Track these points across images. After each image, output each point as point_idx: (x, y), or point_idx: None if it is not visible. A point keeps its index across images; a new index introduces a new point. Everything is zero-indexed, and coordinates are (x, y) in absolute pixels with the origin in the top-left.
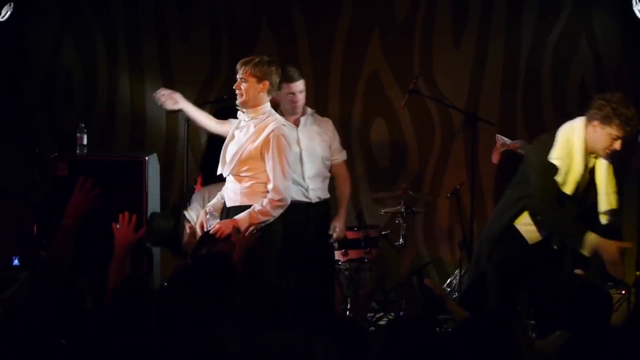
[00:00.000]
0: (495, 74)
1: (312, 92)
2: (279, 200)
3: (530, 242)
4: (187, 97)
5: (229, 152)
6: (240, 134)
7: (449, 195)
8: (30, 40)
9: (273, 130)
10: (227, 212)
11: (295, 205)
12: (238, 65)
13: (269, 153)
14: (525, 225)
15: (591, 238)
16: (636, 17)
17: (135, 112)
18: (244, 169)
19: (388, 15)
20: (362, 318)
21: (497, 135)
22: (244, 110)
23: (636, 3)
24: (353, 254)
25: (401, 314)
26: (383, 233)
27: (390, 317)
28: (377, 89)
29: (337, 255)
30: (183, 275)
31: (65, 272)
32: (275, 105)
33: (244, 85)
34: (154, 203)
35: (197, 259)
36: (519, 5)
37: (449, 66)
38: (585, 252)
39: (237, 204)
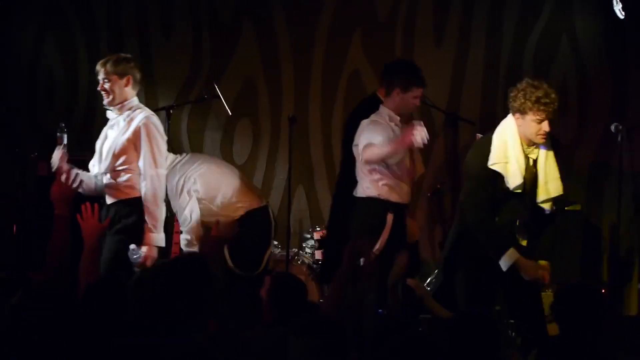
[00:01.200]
0: (477, 73)
1: (293, 91)
2: (149, 189)
3: None
4: (169, 95)
5: (104, 150)
6: (112, 132)
7: (429, 194)
8: (11, 40)
9: (142, 119)
10: (108, 210)
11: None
12: (98, 67)
13: (139, 142)
14: None
15: (511, 254)
16: (616, 16)
17: None
18: (119, 162)
19: (370, 14)
20: (333, 310)
21: (477, 134)
22: (112, 108)
23: (616, 3)
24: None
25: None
26: None
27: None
28: (359, 88)
29: (318, 254)
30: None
31: (65, 267)
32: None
33: (108, 84)
34: None
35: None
36: (500, 5)
37: (430, 65)
38: (503, 266)
39: (119, 198)
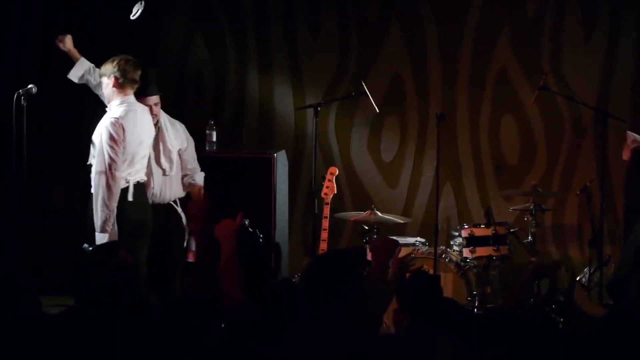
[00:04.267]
0: (627, 69)
1: (440, 88)
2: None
3: None
4: (316, 92)
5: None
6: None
7: (578, 192)
8: (161, 39)
9: (105, 120)
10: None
11: None
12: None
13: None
14: None
15: None
16: None
17: (264, 109)
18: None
19: (518, 10)
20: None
21: (628, 132)
22: (106, 108)
23: None
24: (481, 251)
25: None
26: (511, 230)
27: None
28: (506, 85)
29: (466, 252)
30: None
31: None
32: None
33: (100, 86)
34: (282, 200)
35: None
36: None
37: (579, 62)
38: None
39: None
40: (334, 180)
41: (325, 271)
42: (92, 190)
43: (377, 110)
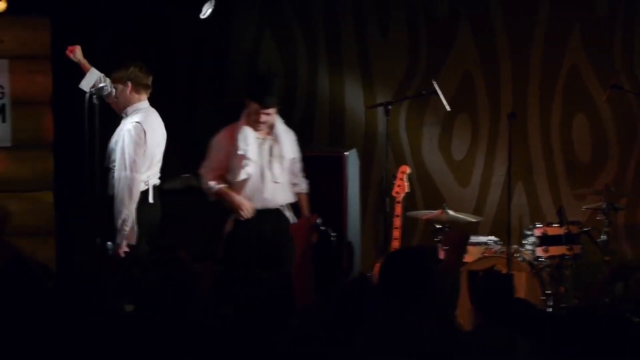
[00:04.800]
0: None
1: (511, 87)
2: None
3: None
4: (387, 91)
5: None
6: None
7: None
8: (231, 38)
9: (126, 125)
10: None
11: None
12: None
13: (119, 145)
14: None
15: None
16: None
17: (335, 107)
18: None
19: (588, 9)
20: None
21: None
22: (122, 114)
23: None
24: (554, 250)
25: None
26: (584, 230)
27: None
28: (578, 84)
29: (538, 251)
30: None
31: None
32: None
33: (114, 93)
34: (353, 198)
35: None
36: None
37: None
38: None
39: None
40: (405, 179)
41: (400, 268)
42: (114, 192)
43: (449, 109)
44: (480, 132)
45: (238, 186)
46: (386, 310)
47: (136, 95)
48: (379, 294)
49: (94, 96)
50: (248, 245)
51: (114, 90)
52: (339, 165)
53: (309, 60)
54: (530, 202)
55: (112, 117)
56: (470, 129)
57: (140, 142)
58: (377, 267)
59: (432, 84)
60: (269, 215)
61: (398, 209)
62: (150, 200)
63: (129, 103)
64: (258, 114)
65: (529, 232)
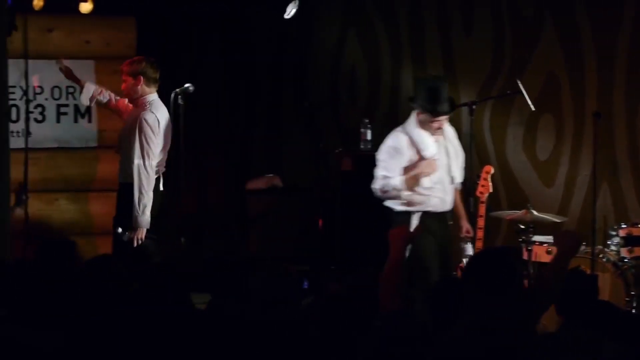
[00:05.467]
0: None
1: (596, 86)
2: None
3: None
4: (471, 91)
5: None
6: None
7: None
8: (316, 37)
9: (140, 115)
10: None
11: None
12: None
13: (134, 135)
14: None
15: None
16: None
17: None
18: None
19: None
20: None
21: None
22: (131, 103)
23: None
24: (639, 251)
25: None
26: None
27: None
28: None
29: (623, 252)
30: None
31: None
32: None
33: (123, 84)
34: None
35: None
36: None
37: None
38: None
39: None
40: (489, 179)
41: (485, 268)
42: (131, 180)
43: (533, 109)
44: (565, 132)
45: (419, 192)
46: (471, 310)
47: (147, 89)
48: (464, 294)
49: (179, 96)
50: (432, 252)
51: (113, 97)
52: None
53: (393, 59)
54: (615, 202)
55: (197, 117)
56: (555, 129)
57: (155, 132)
58: (459, 267)
59: (517, 84)
60: (439, 220)
61: (482, 209)
62: (161, 187)
63: (138, 95)
64: (432, 121)
65: (613, 233)
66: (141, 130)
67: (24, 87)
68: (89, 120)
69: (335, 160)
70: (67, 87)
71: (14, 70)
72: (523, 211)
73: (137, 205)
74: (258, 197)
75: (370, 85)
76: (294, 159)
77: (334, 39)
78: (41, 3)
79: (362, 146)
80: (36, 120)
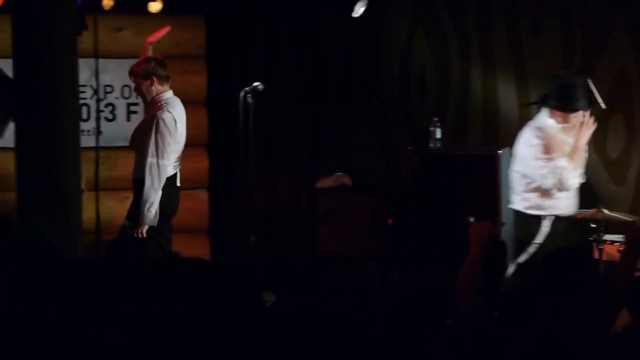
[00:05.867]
0: None
1: None
2: None
3: None
4: (540, 89)
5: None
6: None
7: None
8: (383, 36)
9: (157, 114)
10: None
11: None
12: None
13: (150, 133)
14: None
15: None
16: None
17: (488, 105)
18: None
19: None
20: None
21: None
22: (145, 105)
23: None
24: None
25: None
26: None
27: None
28: None
29: None
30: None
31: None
32: None
33: (137, 87)
34: (506, 198)
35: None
36: None
37: None
38: None
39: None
40: None
41: (558, 267)
42: (143, 177)
43: (604, 107)
44: (636, 130)
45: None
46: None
47: (161, 87)
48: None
49: (249, 95)
50: None
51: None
52: (493, 164)
53: (462, 58)
54: None
55: (266, 115)
56: (625, 128)
57: (172, 131)
58: None
59: (587, 83)
60: (573, 221)
61: None
62: (178, 183)
63: (153, 94)
64: (567, 117)
65: None
66: (157, 130)
67: (95, 86)
68: None
69: (405, 159)
70: None
71: (84, 69)
72: (594, 210)
73: (144, 201)
74: (327, 196)
75: (440, 84)
76: (363, 158)
77: (403, 37)
78: (111, 3)
79: (431, 145)
80: (107, 119)
